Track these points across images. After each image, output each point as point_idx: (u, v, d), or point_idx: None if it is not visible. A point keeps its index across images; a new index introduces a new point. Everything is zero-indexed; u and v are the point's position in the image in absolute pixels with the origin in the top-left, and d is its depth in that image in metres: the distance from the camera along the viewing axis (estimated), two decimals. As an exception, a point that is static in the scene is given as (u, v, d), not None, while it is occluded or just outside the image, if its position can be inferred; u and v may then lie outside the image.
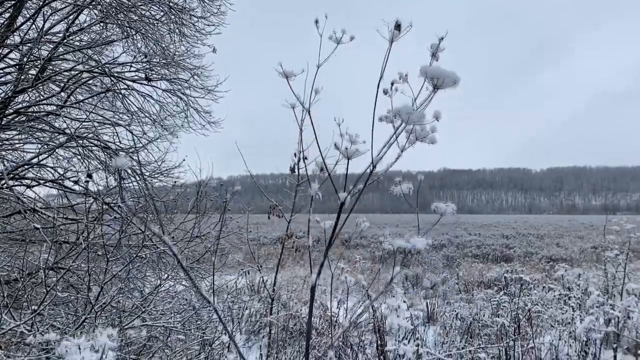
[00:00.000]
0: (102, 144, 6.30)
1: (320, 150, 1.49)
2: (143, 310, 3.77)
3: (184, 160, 7.70)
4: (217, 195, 7.81)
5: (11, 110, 5.44)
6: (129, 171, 6.75)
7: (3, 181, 5.43)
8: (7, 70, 6.10)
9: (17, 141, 6.45)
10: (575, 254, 23.77)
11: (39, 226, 5.39)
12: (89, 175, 4.56)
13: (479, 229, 44.86)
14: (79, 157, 6.79)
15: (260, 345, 7.90)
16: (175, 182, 7.36)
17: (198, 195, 6.99)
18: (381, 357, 4.21)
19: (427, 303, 11.96)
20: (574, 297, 4.04)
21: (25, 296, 4.30)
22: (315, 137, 1.48)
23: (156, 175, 7.41)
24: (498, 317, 3.69)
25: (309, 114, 1.52)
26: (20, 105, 5.75)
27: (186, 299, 5.56)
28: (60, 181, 5.77)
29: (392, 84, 1.31)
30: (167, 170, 7.21)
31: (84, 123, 6.42)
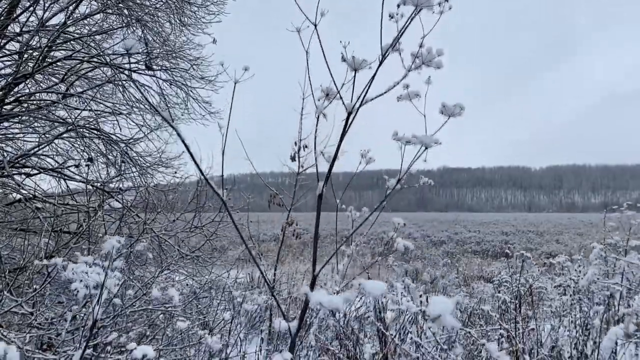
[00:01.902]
0: (102, 134, 6.30)
1: (331, 74, 1.45)
2: (144, 293, 3.78)
3: (183, 152, 7.71)
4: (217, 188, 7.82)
5: (11, 98, 5.43)
6: (129, 161, 6.75)
7: (4, 170, 5.42)
8: (7, 60, 6.10)
9: (17, 131, 6.45)
10: (575, 250, 23.80)
11: (39, 215, 5.40)
12: (90, 159, 4.56)
13: (478, 226, 44.87)
14: (79, 148, 6.79)
15: (261, 337, 7.90)
16: (175, 172, 7.38)
17: (198, 186, 7.00)
18: (382, 338, 4.23)
19: (427, 297, 11.97)
20: (574, 278, 4.06)
21: (26, 284, 4.30)
22: (325, 60, 1.45)
23: (156, 166, 7.42)
24: (500, 293, 3.71)
25: (316, 31, 1.47)
26: (21, 94, 5.74)
27: (188, 284, 5.57)
28: (61, 170, 5.77)
29: (398, 6, 1.31)
30: (167, 160, 7.22)
31: (83, 113, 6.42)
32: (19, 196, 6.07)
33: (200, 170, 1.47)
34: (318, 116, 1.39)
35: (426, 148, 1.25)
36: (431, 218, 62.61)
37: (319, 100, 1.50)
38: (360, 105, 1.34)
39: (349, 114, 1.36)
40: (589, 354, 4.26)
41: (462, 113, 1.31)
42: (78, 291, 1.44)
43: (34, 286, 3.51)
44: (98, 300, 1.41)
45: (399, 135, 1.33)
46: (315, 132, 1.39)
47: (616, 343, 2.03)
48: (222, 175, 1.55)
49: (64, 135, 6.13)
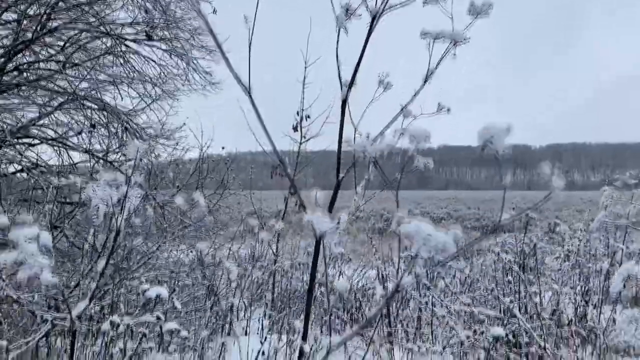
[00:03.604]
0: (103, 104, 6.26)
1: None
2: (149, 257, 3.80)
3: (184, 124, 7.69)
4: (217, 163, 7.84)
5: (11, 67, 5.39)
6: (133, 132, 6.73)
7: (6, 140, 5.41)
8: (5, 30, 6.03)
9: (17, 102, 6.40)
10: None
11: (42, 185, 5.41)
12: (93, 126, 4.54)
13: (478, 204, 45.00)
14: (80, 121, 6.76)
15: (264, 309, 7.98)
16: (176, 144, 7.37)
17: (200, 157, 6.99)
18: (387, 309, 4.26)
19: (427, 270, 12.04)
20: (579, 237, 4.12)
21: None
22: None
23: (157, 138, 7.40)
24: (506, 253, 3.74)
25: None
26: (20, 63, 5.69)
27: (192, 250, 5.61)
28: (62, 140, 5.75)
29: None
30: (169, 132, 7.20)
31: (84, 84, 6.37)
32: (19, 167, 6.08)
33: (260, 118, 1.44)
34: (339, 30, 1.36)
35: (455, 44, 1.23)
36: (431, 196, 62.71)
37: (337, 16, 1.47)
38: (383, 11, 1.32)
39: (373, 18, 1.33)
40: (589, 319, 4.33)
41: (490, 12, 1.29)
42: (98, 208, 1.45)
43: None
44: (121, 210, 1.42)
45: (426, 31, 1.30)
46: (337, 45, 1.35)
47: (624, 282, 2.06)
48: (249, 79, 1.53)
49: (65, 106, 6.10)
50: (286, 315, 5.09)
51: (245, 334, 4.59)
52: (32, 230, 1.13)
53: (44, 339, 3.72)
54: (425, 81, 1.20)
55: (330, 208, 1.25)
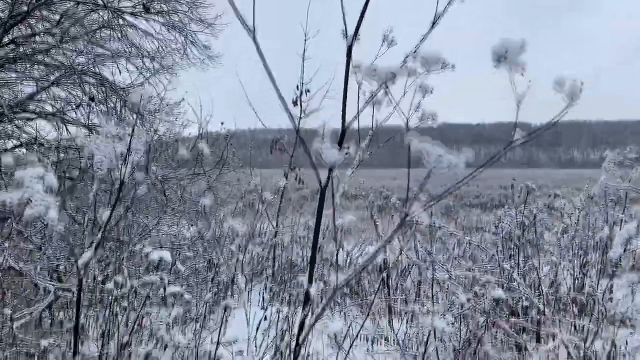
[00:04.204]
0: (102, 79, 6.21)
1: None
2: (150, 230, 3.82)
3: (183, 99, 7.64)
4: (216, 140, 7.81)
5: (7, 40, 5.32)
6: (129, 108, 6.69)
7: (4, 114, 5.37)
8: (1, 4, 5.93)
9: (14, 77, 6.35)
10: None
11: (41, 159, 5.39)
12: (92, 99, 4.50)
13: (477, 181, 45.04)
14: (78, 97, 6.70)
15: (265, 284, 8.06)
16: (175, 119, 7.33)
17: (200, 131, 6.97)
18: (386, 280, 4.31)
19: (426, 248, 12.12)
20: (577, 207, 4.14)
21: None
22: None
23: (156, 114, 7.36)
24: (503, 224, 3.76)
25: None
26: (17, 37, 5.62)
27: (193, 224, 5.63)
28: (61, 115, 5.71)
29: None
30: (168, 107, 7.16)
31: (82, 59, 6.30)
32: (18, 142, 6.06)
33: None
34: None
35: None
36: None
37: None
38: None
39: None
40: (586, 292, 4.37)
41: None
42: (102, 163, 1.45)
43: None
44: (125, 161, 1.42)
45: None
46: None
47: (624, 246, 2.07)
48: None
49: (62, 80, 6.04)
50: (286, 288, 5.14)
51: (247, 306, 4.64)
52: (37, 170, 1.13)
53: (48, 311, 3.77)
54: (433, 25, 1.18)
55: (340, 145, 1.23)
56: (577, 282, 4.48)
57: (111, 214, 1.45)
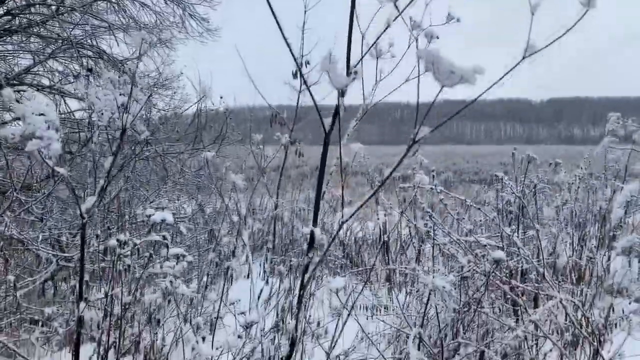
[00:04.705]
0: (99, 50, 6.13)
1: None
2: (151, 202, 3.83)
3: (182, 73, 7.57)
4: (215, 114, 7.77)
5: (2, 12, 5.24)
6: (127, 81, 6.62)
7: (1, 86, 5.32)
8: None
9: (10, 49, 6.26)
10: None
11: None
12: (90, 70, 4.45)
13: (477, 157, 45.03)
14: (75, 71, 6.62)
15: (266, 255, 8.14)
16: (174, 93, 7.29)
17: (198, 104, 6.92)
18: (385, 250, 4.35)
19: (425, 222, 12.17)
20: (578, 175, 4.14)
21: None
22: None
23: (155, 88, 7.30)
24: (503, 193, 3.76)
25: None
26: (11, 8, 5.53)
27: (192, 197, 5.65)
28: (58, 87, 5.67)
29: None
30: (166, 80, 7.11)
31: (78, 32, 6.21)
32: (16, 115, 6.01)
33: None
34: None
35: None
36: (429, 151, 62.64)
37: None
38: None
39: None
40: (584, 264, 4.41)
41: None
42: (103, 113, 1.45)
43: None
44: (126, 109, 1.42)
45: None
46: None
47: (626, 207, 2.08)
48: None
49: (59, 53, 5.97)
50: (286, 260, 5.18)
51: (248, 277, 4.68)
52: (38, 105, 1.13)
53: (50, 281, 3.81)
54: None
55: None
56: (575, 253, 4.52)
57: (113, 161, 1.45)
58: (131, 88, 1.37)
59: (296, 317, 1.23)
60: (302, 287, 1.21)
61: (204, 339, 1.57)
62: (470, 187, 19.94)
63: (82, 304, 1.41)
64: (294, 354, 1.88)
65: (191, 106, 7.22)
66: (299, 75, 5.53)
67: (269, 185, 6.82)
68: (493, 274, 2.05)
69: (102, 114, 1.49)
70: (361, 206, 1.20)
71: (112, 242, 1.61)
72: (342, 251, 5.64)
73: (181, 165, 6.16)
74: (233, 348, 1.58)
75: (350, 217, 1.14)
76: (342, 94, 1.11)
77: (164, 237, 1.63)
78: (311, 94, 1.12)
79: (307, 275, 1.19)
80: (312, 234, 1.18)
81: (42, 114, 1.08)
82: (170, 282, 1.52)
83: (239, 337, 1.60)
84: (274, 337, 2.59)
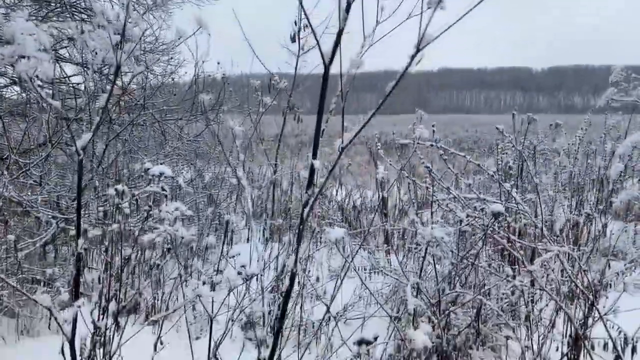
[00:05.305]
0: (93, 13, 6.00)
1: None
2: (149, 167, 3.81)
3: (179, 37, 7.42)
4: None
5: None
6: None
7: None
8: None
9: (3, 13, 6.13)
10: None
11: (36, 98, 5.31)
12: (83, 32, 4.35)
13: (476, 126, 44.87)
14: (69, 32, 6.49)
15: (265, 220, 8.18)
16: (170, 58, 7.17)
17: (196, 68, 6.83)
18: (384, 211, 4.37)
19: (426, 187, 12.20)
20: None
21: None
22: None
23: (151, 53, 7.18)
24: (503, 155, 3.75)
25: None
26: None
27: (191, 163, 5.63)
28: (54, 50, 5.57)
29: None
30: (163, 45, 6.98)
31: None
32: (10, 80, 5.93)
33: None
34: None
35: None
36: (428, 120, 62.28)
37: None
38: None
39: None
40: (582, 223, 4.44)
41: None
42: (97, 53, 1.43)
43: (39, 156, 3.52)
44: (120, 46, 1.41)
45: None
46: None
47: (626, 162, 2.07)
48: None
49: (53, 17, 5.85)
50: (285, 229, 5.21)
51: (248, 241, 4.72)
52: (27, 24, 1.11)
53: (51, 244, 3.83)
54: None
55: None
56: (572, 218, 4.54)
57: (108, 97, 1.44)
58: (124, 23, 1.34)
59: (295, 252, 1.24)
60: (302, 221, 1.22)
61: (204, 282, 1.59)
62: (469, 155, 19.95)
63: (81, 241, 1.42)
64: (293, 307, 1.89)
65: (187, 73, 7.14)
66: (297, 39, 5.38)
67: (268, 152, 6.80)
68: (492, 228, 2.07)
69: (96, 53, 1.47)
70: (359, 130, 1.18)
71: (110, 191, 1.61)
72: (340, 215, 5.67)
73: (179, 131, 6.12)
74: (233, 284, 1.60)
75: (350, 142, 1.13)
76: (347, 9, 1.08)
77: (163, 189, 1.63)
78: (314, 32, 1.09)
79: (306, 210, 1.20)
80: (311, 166, 1.18)
81: (32, 34, 1.06)
82: (169, 225, 1.53)
83: (239, 273, 1.61)
84: (274, 295, 2.63)
